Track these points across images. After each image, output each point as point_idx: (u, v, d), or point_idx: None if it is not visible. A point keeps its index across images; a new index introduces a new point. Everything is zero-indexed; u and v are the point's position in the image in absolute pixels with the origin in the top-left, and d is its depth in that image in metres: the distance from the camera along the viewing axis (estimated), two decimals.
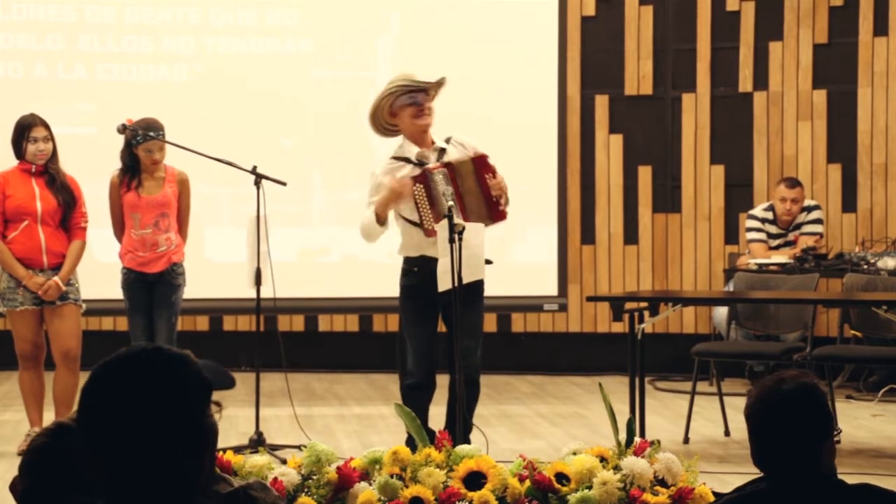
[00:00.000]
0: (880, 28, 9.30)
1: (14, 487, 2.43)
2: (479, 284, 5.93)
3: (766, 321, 7.42)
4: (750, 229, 8.90)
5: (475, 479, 4.66)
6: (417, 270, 5.83)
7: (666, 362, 8.93)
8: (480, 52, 8.67)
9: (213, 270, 8.33)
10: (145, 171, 6.71)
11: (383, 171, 5.94)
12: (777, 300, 7.13)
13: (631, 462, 4.74)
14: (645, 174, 9.56)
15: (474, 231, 5.66)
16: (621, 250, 9.56)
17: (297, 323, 9.54)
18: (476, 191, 5.83)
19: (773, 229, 8.86)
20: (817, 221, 8.86)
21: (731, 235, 9.46)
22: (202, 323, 9.49)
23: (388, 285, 8.39)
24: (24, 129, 6.57)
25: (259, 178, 6.46)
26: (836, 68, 9.35)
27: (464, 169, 5.83)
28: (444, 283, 5.58)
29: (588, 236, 9.56)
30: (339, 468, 4.77)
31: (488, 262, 6.03)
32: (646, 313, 6.57)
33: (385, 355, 9.41)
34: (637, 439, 4.92)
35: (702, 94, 9.52)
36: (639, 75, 9.54)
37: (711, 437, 6.93)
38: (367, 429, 7.30)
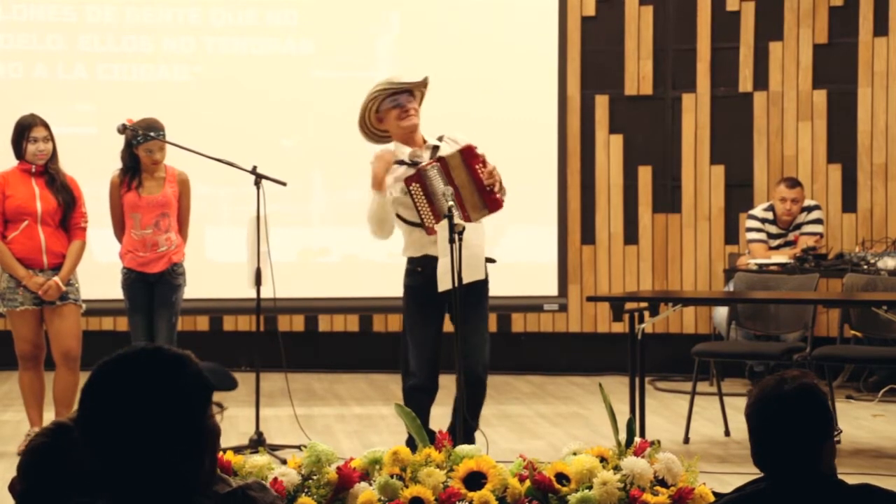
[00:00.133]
0: (880, 28, 9.30)
1: (13, 488, 2.43)
2: (483, 284, 5.93)
3: (767, 321, 7.42)
4: (750, 229, 8.90)
5: (475, 480, 4.66)
6: (421, 270, 5.82)
7: (666, 362, 8.93)
8: (480, 53, 8.67)
9: (213, 270, 8.33)
10: (146, 171, 6.71)
11: (371, 205, 5.92)
12: (777, 300, 7.13)
13: (631, 462, 4.74)
14: (645, 174, 9.56)
15: (474, 231, 5.66)
16: (621, 250, 9.56)
17: (298, 323, 9.54)
18: (469, 182, 5.82)
19: (773, 229, 8.86)
20: (817, 221, 8.86)
21: (732, 235, 9.46)
22: (202, 323, 9.49)
23: (388, 285, 8.40)
24: (24, 130, 6.57)
25: (259, 178, 6.46)
26: (836, 68, 9.35)
27: (454, 162, 5.82)
28: (444, 283, 5.58)
29: (588, 236, 9.56)
30: (339, 468, 4.77)
31: (492, 260, 6.03)
32: (646, 313, 6.57)
33: (385, 355, 9.42)
34: (637, 439, 4.92)
35: (702, 94, 9.52)
36: (639, 75, 9.54)
37: (711, 437, 6.93)
38: (368, 429, 7.30)
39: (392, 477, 4.68)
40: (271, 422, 7.26)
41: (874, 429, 7.24)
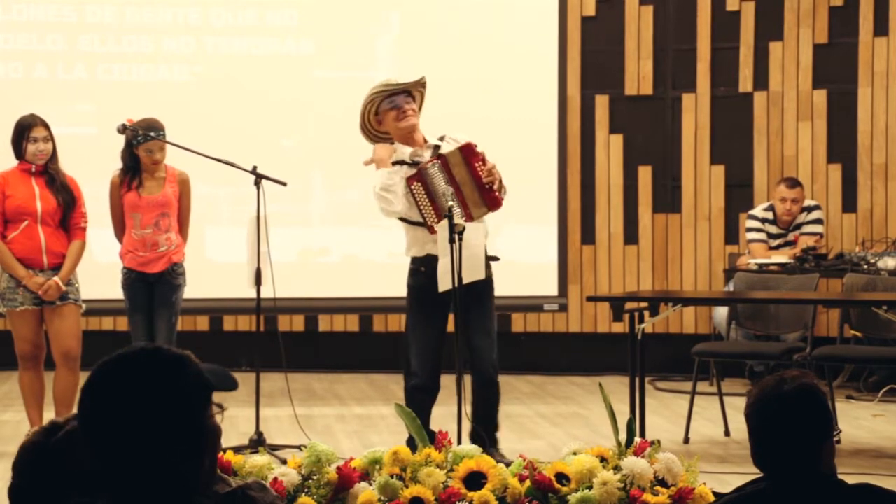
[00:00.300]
0: (880, 28, 9.30)
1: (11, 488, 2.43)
2: (488, 284, 5.94)
3: (767, 321, 7.42)
4: (750, 229, 8.90)
5: (475, 480, 4.66)
6: (424, 270, 5.82)
7: (666, 362, 8.93)
8: (480, 53, 8.67)
9: (213, 270, 8.33)
10: (146, 170, 6.71)
11: (386, 178, 5.91)
12: (777, 300, 7.13)
13: (631, 462, 4.74)
14: (645, 174, 9.56)
15: (475, 231, 5.66)
16: (621, 250, 9.56)
17: (298, 323, 9.54)
18: (469, 180, 5.83)
19: (773, 229, 8.86)
20: (817, 221, 8.86)
21: (732, 235, 9.46)
22: (202, 323, 9.49)
23: (388, 285, 8.42)
24: (24, 130, 6.57)
25: (259, 178, 6.46)
26: (836, 68, 9.35)
27: (454, 159, 5.83)
28: (444, 283, 5.58)
29: (588, 236, 9.56)
30: (339, 468, 4.77)
31: (495, 258, 6.04)
32: (646, 313, 6.57)
33: (385, 355, 9.42)
34: (637, 439, 4.93)
35: (702, 94, 9.51)
36: (639, 75, 9.54)
37: (711, 437, 6.93)
38: (368, 429, 7.30)
39: (392, 477, 4.68)
40: (271, 422, 7.26)
41: (874, 429, 7.24)
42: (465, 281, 5.51)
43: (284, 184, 6.51)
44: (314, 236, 8.79)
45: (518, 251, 8.57)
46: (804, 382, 2.78)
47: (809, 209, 8.86)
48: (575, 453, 4.86)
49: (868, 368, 8.42)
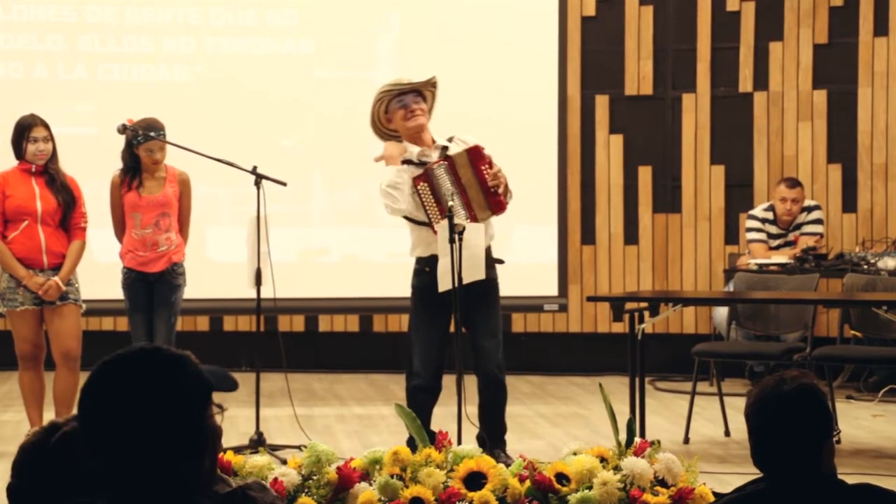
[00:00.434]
0: (880, 28, 9.30)
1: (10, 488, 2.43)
2: (494, 285, 5.95)
3: (767, 321, 7.42)
4: (750, 229, 8.90)
5: (475, 480, 4.66)
6: (429, 270, 5.82)
7: (666, 362, 8.93)
8: (480, 53, 8.67)
9: (213, 270, 8.33)
10: (146, 170, 6.71)
11: (394, 175, 5.90)
12: (777, 300, 7.13)
13: (631, 462, 4.74)
14: (645, 174, 9.56)
15: (475, 231, 5.67)
16: (621, 250, 9.56)
17: (298, 323, 9.54)
18: (475, 182, 5.85)
19: (773, 229, 8.86)
20: (817, 221, 8.86)
21: (732, 236, 9.45)
22: (202, 323, 9.49)
23: (389, 285, 8.43)
24: (24, 130, 6.57)
25: (259, 178, 6.46)
26: (836, 68, 9.34)
27: (461, 161, 5.85)
28: (444, 283, 5.58)
29: (588, 236, 9.56)
30: (339, 468, 4.77)
31: (500, 261, 6.05)
32: (646, 313, 6.57)
33: (385, 355, 9.42)
34: (637, 439, 4.93)
35: (702, 94, 9.51)
36: (639, 75, 9.54)
37: (711, 437, 6.93)
38: (368, 429, 7.30)
39: (392, 477, 4.68)
40: (271, 422, 7.26)
41: (874, 429, 7.24)
42: (465, 281, 5.51)
43: (284, 184, 6.51)
44: (314, 236, 8.79)
45: (518, 251, 8.56)
46: (804, 382, 2.78)
47: (809, 209, 8.86)
48: (575, 453, 4.87)
49: (868, 368, 8.42)
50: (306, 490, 4.71)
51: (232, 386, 8.47)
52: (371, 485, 4.71)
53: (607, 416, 4.98)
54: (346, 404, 8.23)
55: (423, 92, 5.95)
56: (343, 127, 8.62)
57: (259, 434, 6.40)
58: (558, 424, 7.45)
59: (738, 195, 9.45)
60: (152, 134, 6.62)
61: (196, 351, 2.14)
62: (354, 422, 7.56)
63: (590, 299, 7.55)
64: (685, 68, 9.53)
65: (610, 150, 9.56)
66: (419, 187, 5.76)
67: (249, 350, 8.69)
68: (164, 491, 2.01)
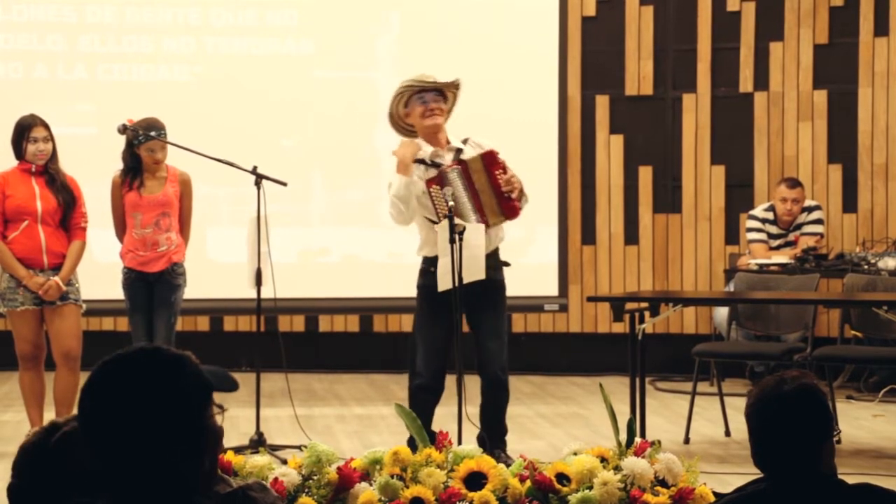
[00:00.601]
0: (881, 28, 9.30)
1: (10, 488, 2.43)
2: (500, 287, 5.96)
3: (767, 321, 7.42)
4: (750, 229, 8.90)
5: (476, 480, 4.66)
6: (433, 270, 5.82)
7: (666, 363, 8.92)
8: (481, 53, 8.66)
9: (213, 271, 8.32)
10: (147, 170, 6.70)
11: (402, 188, 5.90)
12: (777, 300, 7.13)
13: (631, 462, 4.74)
14: (645, 174, 9.56)
15: (475, 231, 5.67)
16: (622, 250, 9.56)
17: (298, 323, 9.54)
18: (489, 187, 5.85)
19: (773, 229, 8.86)
20: (818, 222, 8.86)
21: (732, 236, 9.45)
22: (203, 323, 9.49)
23: (389, 285, 8.43)
24: (24, 130, 6.57)
25: (259, 178, 6.46)
26: (836, 68, 9.34)
27: (475, 166, 5.86)
28: (444, 283, 5.58)
29: (588, 236, 9.55)
30: (339, 468, 4.77)
31: (506, 263, 6.05)
32: (646, 313, 6.56)
33: (385, 356, 9.42)
34: (637, 440, 4.93)
35: (702, 94, 9.51)
36: (639, 75, 9.54)
37: (712, 437, 6.93)
38: (368, 429, 7.30)
39: (392, 477, 4.68)
40: (272, 422, 7.26)
41: (874, 429, 7.24)
42: (466, 281, 5.51)
43: (285, 184, 6.51)
44: (314, 236, 8.79)
45: (518, 251, 8.56)
46: (804, 383, 2.78)
47: (810, 209, 8.86)
48: (575, 453, 4.87)
49: (868, 369, 8.41)
50: (307, 490, 4.71)
51: (232, 386, 8.48)
52: (371, 485, 4.71)
53: (608, 417, 4.98)
54: (347, 404, 8.23)
55: (444, 92, 5.96)
56: (343, 127, 8.62)
57: (259, 434, 6.40)
58: (559, 424, 7.45)
59: (739, 195, 9.45)
60: (153, 133, 6.62)
61: (196, 351, 2.14)
62: (355, 422, 7.56)
63: (590, 299, 7.54)
64: (685, 68, 9.53)
65: (610, 150, 9.56)
66: (431, 189, 5.76)
67: (250, 350, 8.69)
68: (165, 491, 2.00)
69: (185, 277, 6.81)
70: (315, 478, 4.74)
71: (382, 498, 4.63)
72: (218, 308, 8.73)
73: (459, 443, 5.26)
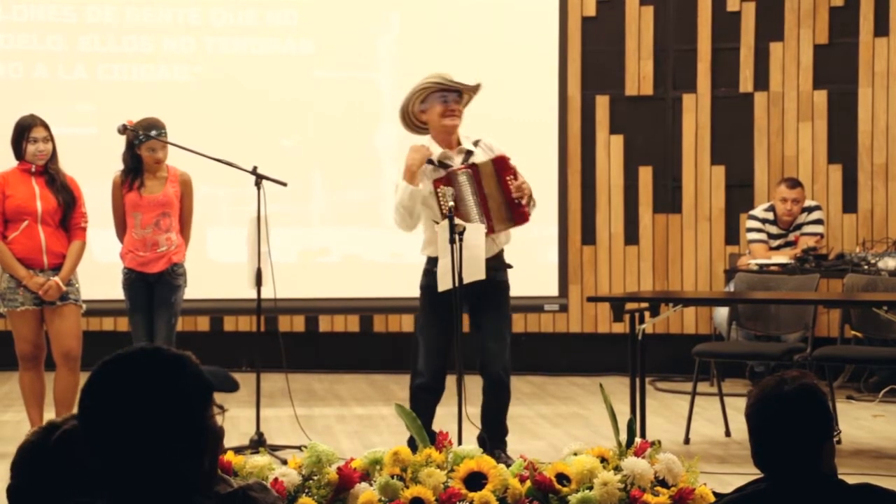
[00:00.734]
0: (881, 28, 9.30)
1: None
2: (504, 287, 5.96)
3: (767, 322, 7.42)
4: (750, 230, 8.90)
5: (476, 480, 4.66)
6: (436, 271, 5.82)
7: (666, 363, 8.93)
8: (481, 53, 8.66)
9: (213, 271, 8.32)
10: (148, 170, 6.70)
11: (407, 197, 5.89)
12: (778, 301, 7.13)
13: (631, 462, 4.74)
14: (645, 174, 9.56)
15: (475, 232, 5.67)
16: (622, 251, 9.56)
17: (298, 323, 9.54)
18: (498, 193, 5.85)
19: (773, 230, 8.86)
20: (818, 222, 8.86)
21: (732, 236, 9.45)
22: (203, 323, 9.49)
23: (389, 286, 8.43)
24: (24, 130, 6.57)
25: (259, 178, 6.46)
26: (836, 69, 9.34)
27: (486, 170, 5.86)
28: (444, 283, 5.58)
29: (588, 237, 9.55)
30: (339, 469, 4.77)
31: (509, 265, 6.05)
32: (646, 314, 6.56)
33: (386, 356, 9.42)
34: (637, 440, 4.93)
35: (702, 94, 9.51)
36: (639, 76, 9.54)
37: (712, 437, 6.93)
38: (368, 429, 7.30)
39: (393, 477, 4.68)
40: (272, 422, 7.26)
41: (874, 429, 7.24)
42: (465, 281, 5.51)
43: (285, 184, 6.51)
44: (314, 236, 8.79)
45: (518, 251, 8.55)
46: (804, 383, 2.78)
47: (810, 209, 8.86)
48: (575, 454, 4.87)
49: (868, 369, 8.41)
50: (307, 490, 4.71)
51: (233, 387, 8.48)
52: (371, 485, 4.71)
53: (608, 417, 4.98)
54: (347, 404, 8.23)
55: (462, 94, 5.96)
56: (343, 127, 8.62)
57: (259, 434, 6.40)
58: (559, 425, 7.45)
59: (739, 195, 9.45)
60: (153, 133, 6.62)
61: (196, 351, 2.14)
62: (355, 422, 7.56)
63: (590, 299, 7.54)
64: (686, 68, 9.53)
65: (610, 150, 9.56)
66: (439, 190, 5.76)
67: (250, 350, 8.69)
68: (165, 491, 2.00)
69: (186, 278, 6.81)
70: (315, 478, 4.75)
71: (382, 498, 4.63)
72: (218, 308, 8.73)
73: (459, 443, 5.26)
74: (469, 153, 5.96)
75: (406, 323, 9.44)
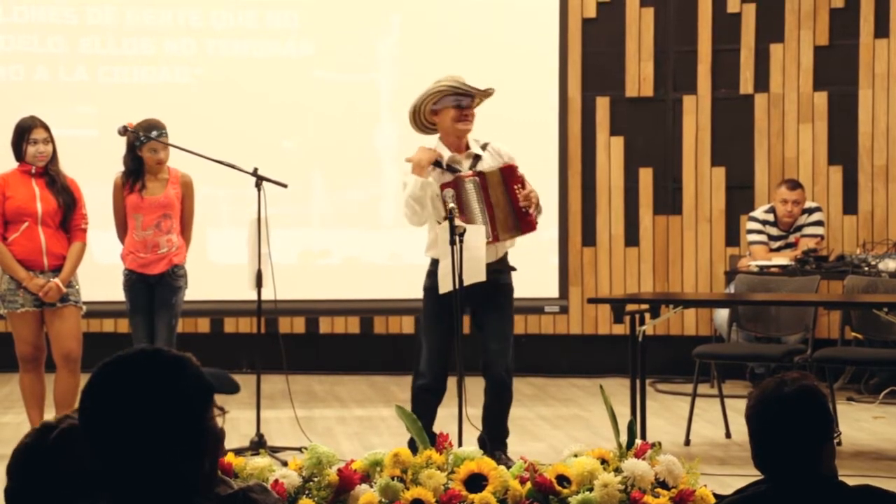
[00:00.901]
0: (881, 30, 9.30)
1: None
2: (508, 289, 5.97)
3: (767, 323, 7.42)
4: (751, 231, 8.90)
5: (476, 482, 4.66)
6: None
7: (667, 364, 8.92)
8: (481, 54, 8.65)
9: (213, 272, 8.32)
10: (149, 171, 6.70)
11: (417, 189, 5.89)
12: (778, 302, 7.13)
13: (632, 464, 4.74)
14: (646, 176, 9.56)
15: (475, 234, 5.67)
16: (622, 252, 9.56)
17: (298, 325, 9.54)
18: (505, 202, 5.86)
19: (773, 231, 8.86)
20: (818, 223, 8.86)
21: (732, 237, 9.45)
22: (203, 325, 9.49)
23: (389, 287, 8.43)
24: (24, 132, 6.57)
25: (260, 179, 6.46)
26: (836, 70, 9.34)
27: (494, 179, 5.87)
28: (444, 285, 5.59)
29: (589, 238, 9.56)
30: (339, 470, 4.77)
31: (512, 268, 6.06)
32: (647, 315, 6.56)
33: (386, 357, 9.42)
34: (638, 441, 4.93)
35: (703, 95, 9.51)
36: (640, 77, 9.54)
37: (712, 439, 6.92)
38: (368, 431, 7.30)
39: (393, 479, 4.68)
40: (272, 424, 7.26)
41: (875, 431, 7.24)
42: (466, 283, 5.51)
43: (285, 185, 6.51)
44: (315, 238, 8.79)
45: (519, 253, 8.55)
46: (804, 384, 2.78)
47: (810, 211, 8.86)
48: (576, 455, 4.87)
49: (869, 370, 8.41)
50: (307, 492, 4.71)
51: (233, 388, 8.43)
52: (372, 486, 4.71)
53: (608, 418, 4.98)
54: (347, 406, 8.23)
55: (474, 98, 5.97)
56: (343, 128, 8.62)
57: (260, 436, 6.40)
58: (559, 426, 7.45)
59: (739, 197, 9.45)
60: (153, 134, 6.62)
61: (197, 353, 2.14)
62: (355, 423, 7.56)
63: (590, 301, 7.55)
64: (686, 70, 9.53)
65: (611, 151, 9.56)
66: (444, 193, 5.76)
67: (250, 352, 8.69)
68: (165, 493, 2.01)
69: (187, 279, 6.81)
70: (315, 479, 4.75)
71: (383, 500, 4.63)
72: (218, 310, 8.74)
73: (460, 444, 5.26)
74: (477, 157, 5.96)
75: (406, 324, 9.45)
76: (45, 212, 6.55)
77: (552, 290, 8.77)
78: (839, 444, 6.46)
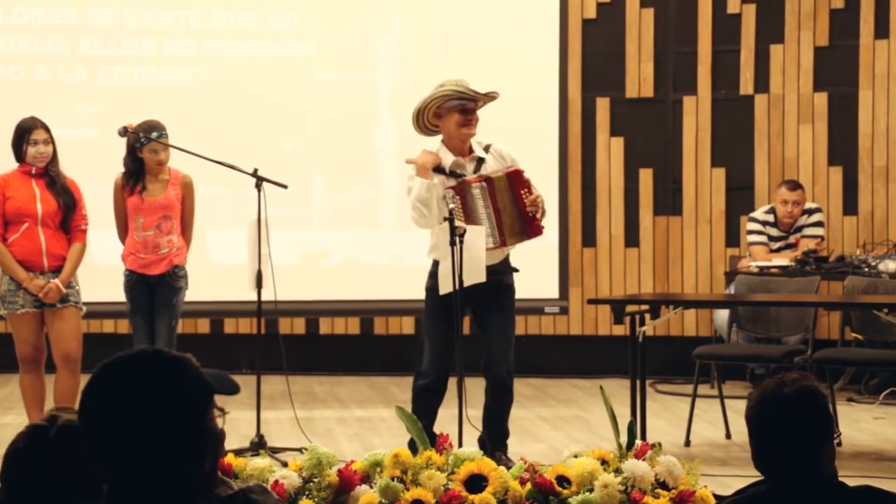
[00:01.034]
0: (881, 30, 9.30)
1: None
2: (510, 290, 5.97)
3: (768, 324, 7.42)
4: (751, 232, 8.90)
5: (476, 482, 4.66)
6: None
7: (667, 365, 8.92)
8: (481, 55, 8.66)
9: (214, 273, 8.33)
10: (150, 172, 6.70)
11: (423, 190, 5.90)
12: (778, 303, 7.13)
13: (632, 465, 4.74)
14: (646, 177, 9.56)
15: (476, 235, 5.67)
16: (622, 253, 9.56)
17: (298, 325, 9.54)
18: (511, 207, 5.86)
19: (774, 232, 8.86)
20: (818, 224, 8.86)
21: (732, 238, 9.45)
22: (203, 325, 9.49)
23: (389, 288, 8.43)
24: (25, 132, 6.57)
25: (260, 180, 6.46)
26: (836, 71, 9.34)
27: (500, 184, 5.87)
28: (445, 286, 5.59)
29: (589, 239, 9.56)
30: (340, 471, 4.77)
31: (515, 269, 6.07)
32: (647, 316, 6.57)
33: (386, 357, 9.42)
34: (638, 442, 4.93)
35: (703, 96, 9.51)
36: (640, 78, 9.54)
37: (712, 439, 6.92)
38: (368, 431, 7.30)
39: (393, 479, 4.68)
40: (272, 424, 7.26)
41: (875, 431, 7.24)
42: (466, 284, 5.52)
43: (285, 186, 6.51)
44: (315, 238, 8.79)
45: (519, 254, 8.55)
46: (804, 385, 2.78)
47: (810, 212, 8.86)
48: (576, 456, 4.87)
49: (869, 371, 8.41)
50: (307, 493, 4.72)
51: (233, 389, 8.43)
52: (372, 487, 4.71)
53: (608, 419, 4.99)
54: (347, 407, 8.23)
55: (477, 102, 5.98)
56: (344, 129, 8.63)
57: (260, 436, 6.40)
58: (559, 427, 7.45)
59: (739, 198, 9.45)
60: (154, 135, 6.62)
61: (197, 353, 2.14)
62: (355, 424, 7.56)
63: (590, 302, 7.55)
64: (686, 71, 9.53)
65: (611, 152, 9.56)
66: (445, 193, 5.76)
67: (250, 352, 8.69)
68: (165, 493, 2.01)
69: (187, 280, 6.81)
70: (315, 480, 4.75)
71: (383, 500, 4.63)
72: (218, 310, 8.74)
73: (460, 445, 5.26)
74: (481, 160, 5.96)
75: (406, 325, 9.45)
76: (45, 213, 6.55)
77: (552, 291, 8.77)
78: (839, 444, 6.46)
